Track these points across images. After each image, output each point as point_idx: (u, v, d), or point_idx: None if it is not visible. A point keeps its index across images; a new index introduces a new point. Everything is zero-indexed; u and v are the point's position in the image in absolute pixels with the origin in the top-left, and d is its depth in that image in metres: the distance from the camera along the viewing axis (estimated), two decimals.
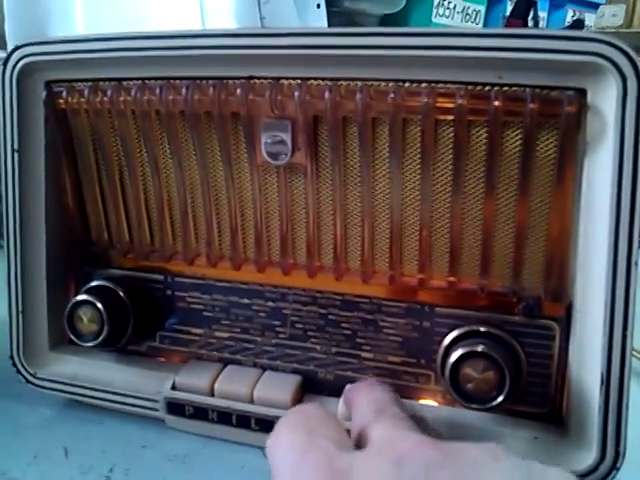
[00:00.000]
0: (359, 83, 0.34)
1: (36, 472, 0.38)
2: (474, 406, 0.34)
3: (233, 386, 0.40)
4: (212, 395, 0.40)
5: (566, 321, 0.35)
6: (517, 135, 0.33)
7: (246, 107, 0.36)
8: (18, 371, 0.44)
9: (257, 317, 0.42)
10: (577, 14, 1.94)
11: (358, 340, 0.40)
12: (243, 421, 0.39)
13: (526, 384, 0.36)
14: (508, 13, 1.45)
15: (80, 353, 0.45)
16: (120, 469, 0.38)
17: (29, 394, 0.45)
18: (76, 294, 0.44)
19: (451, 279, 0.36)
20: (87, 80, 0.40)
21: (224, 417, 0.40)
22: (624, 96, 0.30)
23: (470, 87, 0.32)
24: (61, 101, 0.41)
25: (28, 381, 0.44)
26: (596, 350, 0.33)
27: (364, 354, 0.40)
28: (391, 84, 0.33)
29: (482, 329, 0.36)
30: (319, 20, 0.95)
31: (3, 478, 0.38)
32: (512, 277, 0.35)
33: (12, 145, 0.41)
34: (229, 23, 0.81)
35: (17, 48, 0.40)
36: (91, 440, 0.41)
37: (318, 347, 0.41)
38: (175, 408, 0.41)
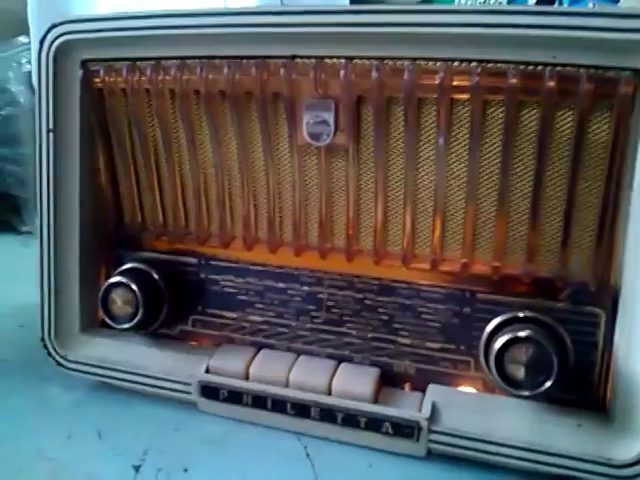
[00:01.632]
0: (406, 62, 0.33)
1: (71, 452, 0.38)
2: (521, 393, 0.34)
3: (268, 370, 0.40)
4: (247, 379, 0.40)
5: (612, 308, 0.34)
6: (570, 116, 0.32)
7: (289, 87, 0.35)
8: (49, 353, 0.44)
9: (292, 301, 0.41)
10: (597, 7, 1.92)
11: (395, 325, 0.39)
12: (278, 405, 0.39)
13: (570, 371, 0.35)
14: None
15: (111, 336, 0.45)
16: (154, 451, 0.38)
17: (60, 376, 0.45)
18: (108, 277, 0.43)
19: (495, 264, 0.36)
20: (125, 59, 0.39)
21: (259, 401, 0.39)
22: None
23: (523, 67, 0.32)
24: (97, 80, 0.40)
25: (59, 363, 0.44)
26: None
27: (401, 340, 0.39)
28: (440, 63, 0.33)
29: (527, 315, 0.35)
30: None
31: (40, 456, 0.38)
32: (559, 263, 0.35)
33: (47, 125, 0.41)
34: (249, 1, 0.80)
35: (53, 27, 0.39)
36: (123, 422, 0.41)
37: (354, 332, 0.40)
38: (209, 392, 0.40)
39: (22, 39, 0.73)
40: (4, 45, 0.75)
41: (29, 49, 0.70)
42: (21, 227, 0.82)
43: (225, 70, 0.36)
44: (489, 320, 0.36)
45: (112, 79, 0.40)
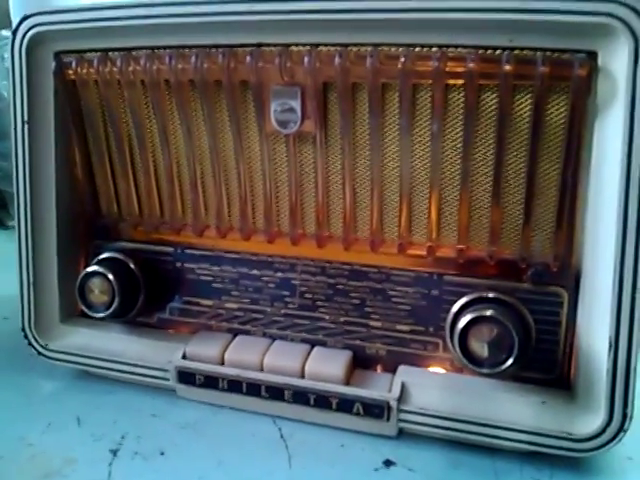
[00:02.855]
0: (369, 48, 0.34)
1: (51, 439, 0.39)
2: (483, 371, 0.34)
3: (243, 355, 0.40)
4: (222, 364, 0.41)
5: (574, 287, 0.35)
6: (527, 99, 0.33)
7: (255, 74, 0.36)
8: (29, 343, 0.45)
9: (266, 288, 0.42)
10: None
11: (367, 309, 0.40)
12: (253, 389, 0.40)
13: (534, 350, 0.36)
14: None
15: (90, 325, 0.45)
16: (132, 437, 0.39)
17: (41, 366, 0.45)
18: (86, 267, 0.44)
19: (460, 247, 0.36)
20: (96, 50, 0.40)
21: (234, 385, 0.40)
22: (636, 58, 0.30)
23: (481, 51, 0.32)
24: (70, 72, 0.41)
25: (40, 353, 0.45)
26: (605, 315, 0.33)
27: (373, 323, 0.40)
28: (401, 49, 0.33)
29: (490, 295, 0.36)
30: None
31: (22, 443, 0.38)
32: (521, 244, 0.35)
33: (22, 117, 0.41)
34: None
35: (26, 18, 0.40)
36: (102, 409, 0.42)
37: (327, 317, 0.41)
38: (186, 377, 0.41)
39: (4, 32, 0.74)
40: None
41: None
42: (8, 222, 0.82)
43: (193, 59, 0.37)
44: (456, 301, 0.37)
45: (84, 70, 0.40)
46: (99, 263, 0.43)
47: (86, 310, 0.43)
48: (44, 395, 0.44)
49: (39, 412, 0.42)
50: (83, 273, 0.42)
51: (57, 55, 0.41)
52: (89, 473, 0.36)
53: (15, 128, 0.42)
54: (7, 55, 0.71)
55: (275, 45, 0.36)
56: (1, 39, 0.74)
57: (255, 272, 0.42)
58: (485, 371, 0.34)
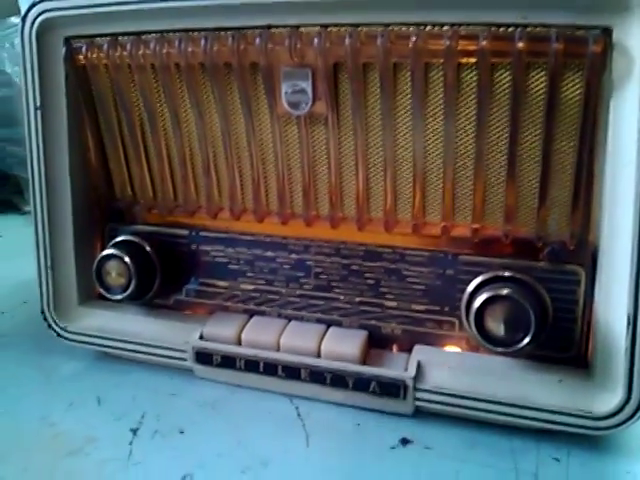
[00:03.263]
0: (380, 28, 0.33)
1: (73, 418, 0.40)
2: (500, 349, 0.34)
3: (260, 335, 0.41)
4: (239, 344, 0.41)
5: (592, 266, 0.35)
6: (542, 77, 0.32)
7: (265, 56, 0.36)
8: (49, 326, 0.46)
9: (281, 269, 0.42)
10: None
11: (381, 289, 0.40)
12: (270, 368, 0.40)
13: (551, 329, 0.36)
14: None
15: (108, 307, 0.46)
16: (151, 415, 0.40)
17: (61, 348, 0.46)
18: (102, 250, 0.44)
19: (475, 226, 0.36)
20: (106, 35, 0.40)
21: (251, 365, 0.40)
22: None
23: (493, 28, 0.32)
24: (81, 57, 0.41)
25: (59, 335, 0.46)
26: (622, 293, 0.32)
27: (388, 303, 0.40)
28: (412, 28, 0.33)
29: (507, 274, 0.36)
30: None
31: (44, 422, 0.39)
32: (537, 223, 0.35)
33: (34, 103, 0.42)
34: None
35: (35, 4, 0.40)
36: (121, 389, 0.43)
37: (342, 297, 0.41)
38: (203, 357, 0.42)
39: (14, 19, 0.74)
40: None
41: None
42: (24, 207, 0.83)
43: (202, 42, 0.36)
44: (471, 281, 0.37)
45: (95, 55, 0.40)
46: (115, 246, 0.44)
47: (104, 292, 0.44)
48: (64, 376, 0.45)
49: (60, 392, 0.42)
50: (100, 256, 0.43)
51: (67, 40, 0.41)
52: (111, 451, 0.36)
53: (28, 114, 0.42)
54: (17, 41, 0.71)
55: (285, 26, 0.35)
56: (10, 26, 0.74)
57: (270, 253, 0.42)
58: (502, 350, 0.34)
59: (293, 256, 0.42)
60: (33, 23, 0.40)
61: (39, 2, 0.40)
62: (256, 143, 0.39)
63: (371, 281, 0.40)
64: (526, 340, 0.34)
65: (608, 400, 0.34)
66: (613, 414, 0.33)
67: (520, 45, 0.31)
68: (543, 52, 0.31)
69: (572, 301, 0.36)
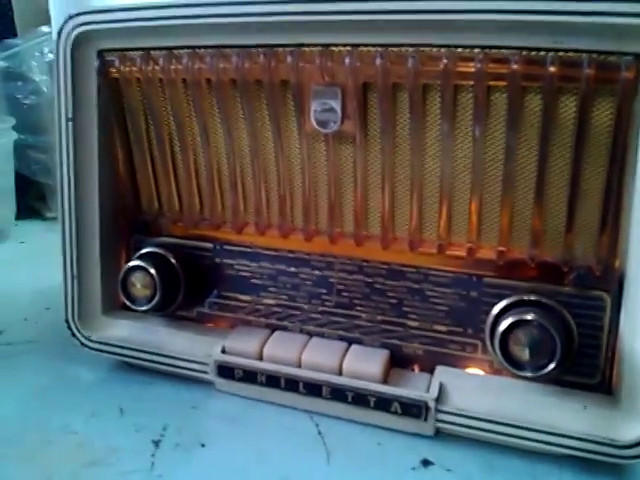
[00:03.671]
0: (410, 49, 0.34)
1: (95, 427, 0.40)
2: (525, 374, 0.34)
3: (281, 351, 0.41)
4: (261, 359, 0.41)
5: (618, 291, 0.35)
6: (572, 101, 0.32)
7: (296, 74, 0.36)
8: (73, 334, 0.46)
9: (304, 285, 0.42)
10: None
11: (404, 309, 0.40)
12: (291, 385, 0.40)
13: (576, 354, 0.36)
14: None
15: (131, 317, 0.46)
16: (173, 428, 0.40)
17: (84, 356, 0.46)
18: (127, 261, 0.45)
19: (501, 249, 0.36)
20: (139, 49, 0.40)
21: (272, 380, 0.40)
22: None
23: (524, 52, 0.32)
24: (113, 70, 0.41)
25: (83, 344, 0.46)
26: None
27: (410, 322, 0.40)
28: (443, 49, 0.33)
29: (532, 298, 0.36)
30: None
31: (66, 430, 0.40)
32: (563, 247, 0.35)
33: (66, 114, 0.42)
34: None
35: (71, 18, 0.40)
36: (143, 400, 0.43)
37: (364, 315, 0.41)
38: (225, 371, 0.42)
39: (44, 29, 0.75)
40: (27, 35, 0.77)
41: (51, 39, 0.71)
42: (46, 213, 0.84)
43: (234, 59, 0.37)
44: (495, 304, 0.37)
45: (127, 69, 0.41)
46: (141, 257, 0.44)
47: (129, 303, 0.44)
48: (87, 385, 0.45)
49: (82, 401, 0.43)
50: (126, 267, 0.43)
51: (100, 53, 0.41)
52: (133, 463, 0.37)
53: (59, 125, 0.42)
54: (46, 50, 0.72)
55: (316, 45, 0.35)
56: (40, 35, 0.75)
57: (293, 269, 0.42)
58: (527, 375, 0.34)
59: (316, 272, 0.42)
60: (69, 36, 0.40)
61: (75, 15, 0.40)
62: (283, 160, 0.39)
63: (394, 300, 0.40)
64: (551, 366, 0.34)
65: (633, 428, 0.33)
66: (638, 443, 0.33)
67: (551, 69, 0.31)
68: (574, 77, 0.31)
69: (597, 327, 0.36)
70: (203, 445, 0.38)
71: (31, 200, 0.86)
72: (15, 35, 0.86)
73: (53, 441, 0.38)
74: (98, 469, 0.36)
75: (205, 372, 0.43)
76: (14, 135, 0.75)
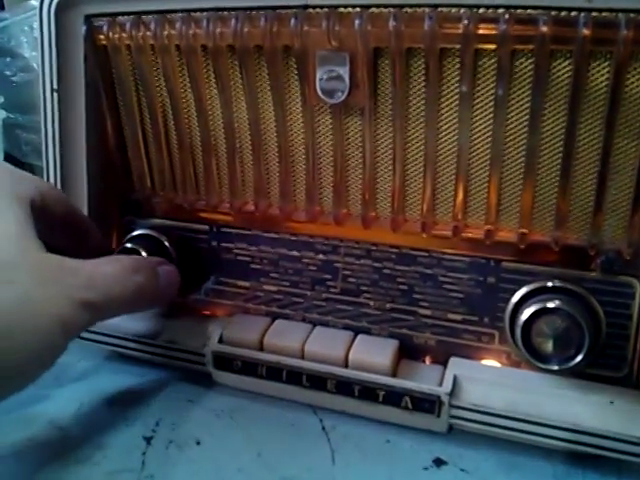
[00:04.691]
0: (426, 9, 0.30)
1: (82, 422, 0.38)
2: (550, 367, 0.32)
3: (283, 340, 0.38)
4: (261, 349, 0.38)
5: None
6: (606, 68, 0.29)
7: (300, 39, 0.33)
8: None
9: (307, 270, 0.40)
10: None
11: (415, 296, 0.37)
12: (293, 377, 0.37)
13: (602, 346, 0.33)
14: None
15: None
16: (166, 423, 0.37)
17: (72, 346, 0.43)
18: (118, 243, 0.42)
19: (522, 231, 0.33)
20: (129, 13, 0.37)
21: (273, 372, 0.38)
22: None
23: (554, 12, 0.29)
24: (101, 36, 0.38)
25: None
26: None
27: (421, 311, 0.37)
28: (463, 10, 0.30)
29: (556, 284, 0.33)
30: None
31: (51, 426, 0.37)
32: (591, 229, 0.32)
33: (51, 84, 0.39)
34: None
35: None
36: (135, 393, 0.40)
37: (371, 303, 0.38)
38: (223, 362, 0.39)
39: (34, 2, 0.71)
40: (15, 9, 0.73)
41: None
42: None
43: (233, 22, 0.34)
44: (515, 290, 0.34)
45: (116, 35, 0.37)
46: (132, 240, 0.41)
47: None
48: (74, 376, 0.43)
49: (69, 393, 0.40)
50: (117, 251, 0.41)
51: (87, 19, 0.38)
52: (122, 461, 0.34)
53: (44, 97, 0.40)
54: (36, 25, 0.69)
55: (322, 7, 0.32)
56: (30, 9, 0.72)
57: (295, 253, 0.40)
58: (552, 368, 0.31)
59: (320, 257, 0.39)
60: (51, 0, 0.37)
61: None
62: (285, 134, 0.36)
63: (404, 287, 0.37)
64: (578, 358, 0.31)
65: None
66: None
67: (584, 32, 0.28)
68: (610, 40, 0.28)
69: (626, 316, 0.33)
70: (198, 442, 0.36)
71: None
72: (3, 8, 0.82)
73: (36, 439, 0.36)
74: (84, 468, 0.33)
75: (202, 363, 0.40)
76: (2, 114, 0.72)
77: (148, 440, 0.36)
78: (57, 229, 0.29)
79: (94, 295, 0.29)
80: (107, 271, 0.31)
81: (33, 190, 0.31)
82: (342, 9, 0.32)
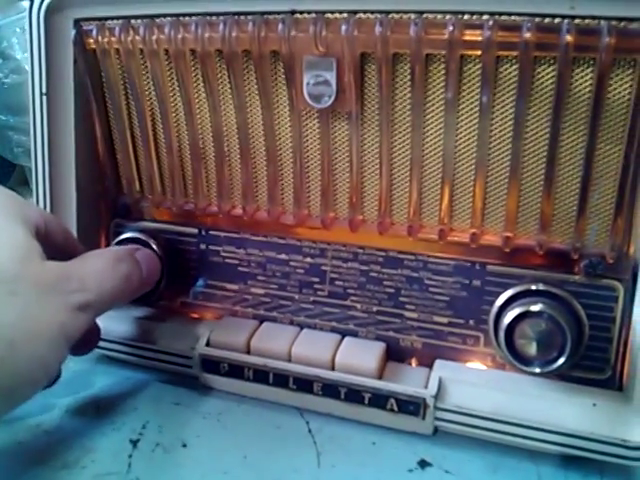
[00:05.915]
0: (412, 15, 0.31)
1: (69, 426, 0.37)
2: (532, 370, 0.32)
3: (270, 343, 0.38)
4: (248, 352, 0.39)
5: (632, 281, 0.32)
6: (589, 74, 0.30)
7: (287, 44, 0.33)
8: None
9: (294, 273, 0.40)
10: None
11: (401, 299, 0.38)
12: (280, 380, 0.37)
13: (585, 348, 0.33)
14: None
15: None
16: (153, 426, 0.37)
17: None
18: (107, 247, 0.42)
19: (506, 234, 0.34)
20: (118, 18, 0.37)
21: (260, 375, 0.38)
22: None
23: (538, 19, 0.29)
24: (91, 41, 0.38)
25: None
26: None
27: (408, 314, 0.38)
28: (449, 16, 0.30)
29: (540, 288, 0.33)
30: None
31: (38, 430, 0.37)
32: (574, 233, 0.32)
33: (40, 88, 0.39)
34: None
35: None
36: (122, 396, 0.40)
37: (358, 305, 0.39)
38: (210, 365, 0.39)
39: (25, 3, 0.71)
40: (7, 10, 0.73)
41: None
42: (29, 197, 0.81)
43: (221, 27, 0.34)
44: (500, 293, 0.34)
45: (105, 39, 0.38)
46: (120, 243, 0.41)
47: None
48: (62, 379, 0.42)
49: (56, 397, 0.40)
50: None
51: (77, 23, 0.38)
52: (109, 465, 0.34)
53: (33, 100, 0.40)
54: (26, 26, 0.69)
55: (310, 12, 0.33)
56: (21, 10, 0.72)
57: (283, 256, 0.40)
58: (534, 370, 0.32)
59: (308, 260, 0.39)
60: (41, 3, 0.38)
61: None
62: (273, 138, 0.36)
63: (390, 290, 0.38)
64: (561, 361, 0.31)
65: None
66: None
67: (567, 38, 0.29)
68: (592, 46, 0.29)
69: (608, 319, 0.33)
70: (185, 445, 0.36)
71: (13, 185, 0.83)
72: None
73: (23, 442, 0.36)
74: (70, 473, 0.33)
75: (189, 366, 0.40)
76: None
77: (134, 443, 0.36)
78: (57, 257, 0.30)
79: (88, 296, 0.30)
80: (95, 268, 0.32)
81: (38, 217, 0.32)
82: (329, 15, 0.33)
